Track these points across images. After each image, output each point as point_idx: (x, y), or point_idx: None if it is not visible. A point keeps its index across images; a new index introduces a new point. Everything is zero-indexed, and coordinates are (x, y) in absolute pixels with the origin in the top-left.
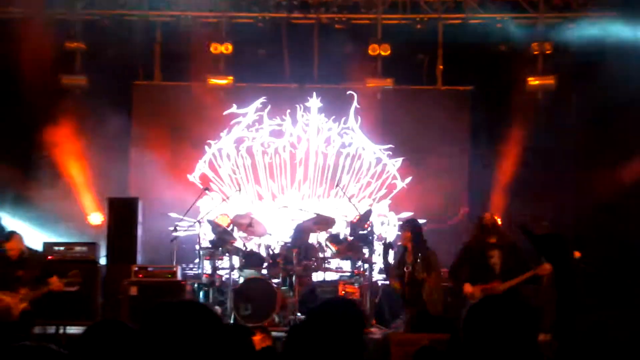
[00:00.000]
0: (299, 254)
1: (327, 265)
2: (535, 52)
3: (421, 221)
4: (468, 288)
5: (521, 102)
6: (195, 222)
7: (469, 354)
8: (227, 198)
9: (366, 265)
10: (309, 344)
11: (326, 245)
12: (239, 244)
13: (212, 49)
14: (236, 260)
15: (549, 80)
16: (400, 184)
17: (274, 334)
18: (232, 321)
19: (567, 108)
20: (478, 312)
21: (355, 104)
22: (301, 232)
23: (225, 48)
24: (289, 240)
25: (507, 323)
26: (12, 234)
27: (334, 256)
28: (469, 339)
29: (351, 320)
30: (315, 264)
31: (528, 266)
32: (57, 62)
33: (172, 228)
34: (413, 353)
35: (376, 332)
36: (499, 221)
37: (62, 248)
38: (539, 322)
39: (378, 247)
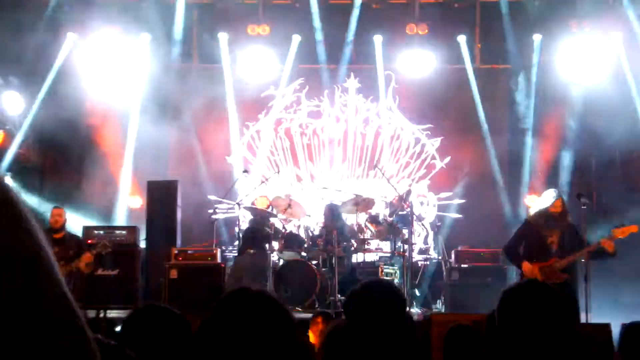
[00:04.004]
0: (338, 235)
1: (366, 247)
2: (574, 30)
3: (460, 201)
4: (527, 266)
5: (560, 81)
6: (234, 205)
7: (504, 337)
8: (266, 180)
9: (406, 246)
10: (351, 330)
11: (365, 226)
12: (278, 225)
13: (249, 31)
14: (275, 243)
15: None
16: (439, 164)
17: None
18: None
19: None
20: (513, 296)
21: (393, 84)
22: (331, 213)
23: (262, 29)
24: (322, 220)
25: (542, 308)
26: (61, 207)
27: (373, 237)
28: (503, 322)
29: (392, 303)
30: (355, 245)
31: (586, 245)
32: (96, 45)
33: (211, 210)
34: (447, 331)
35: (416, 312)
36: (561, 201)
37: (102, 232)
38: (576, 309)
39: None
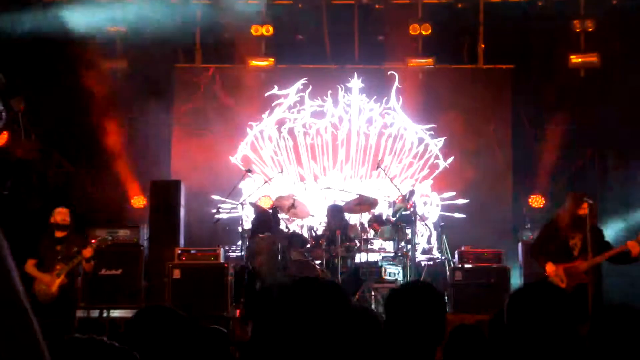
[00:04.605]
0: (342, 235)
1: (369, 247)
2: (577, 30)
3: (464, 201)
4: (550, 267)
5: (564, 80)
6: (237, 204)
7: (511, 338)
8: (269, 180)
9: (409, 246)
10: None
11: (369, 226)
12: (281, 225)
13: (252, 31)
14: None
15: (592, 58)
16: (443, 164)
17: None
18: None
19: (611, 86)
20: (520, 297)
21: (396, 84)
22: (334, 213)
23: (266, 30)
24: (325, 221)
25: (548, 310)
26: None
27: (376, 237)
28: (511, 323)
29: (432, 304)
30: (358, 245)
31: (611, 248)
32: (99, 46)
33: (214, 210)
34: (450, 331)
35: None
36: (588, 203)
37: (105, 231)
38: (577, 312)
39: (420, 227)
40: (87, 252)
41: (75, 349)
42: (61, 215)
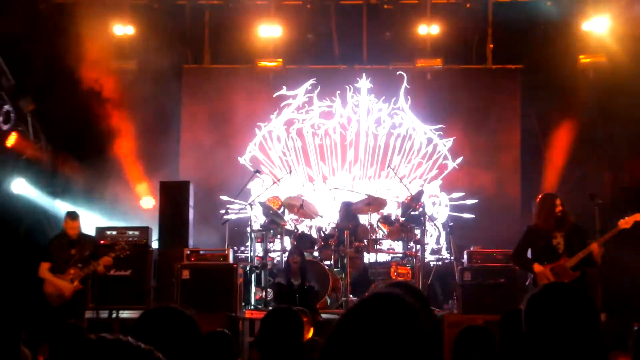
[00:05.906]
0: (350, 235)
1: (378, 247)
2: (587, 30)
3: (472, 202)
4: (538, 268)
5: (572, 81)
6: (246, 205)
7: (531, 342)
8: (278, 180)
9: (418, 246)
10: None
11: (378, 226)
12: (290, 226)
13: (260, 32)
14: (287, 243)
15: (601, 58)
16: (452, 164)
17: (326, 316)
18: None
19: (620, 86)
20: (539, 300)
21: (405, 84)
22: (347, 210)
23: (274, 30)
24: (337, 220)
25: (569, 311)
26: (77, 214)
27: (385, 237)
28: (531, 328)
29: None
30: (367, 245)
31: (588, 243)
32: (108, 47)
33: (223, 211)
34: (458, 332)
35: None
36: (560, 203)
37: (114, 232)
38: (598, 310)
39: (429, 227)
40: (107, 262)
41: (101, 350)
42: (76, 225)
